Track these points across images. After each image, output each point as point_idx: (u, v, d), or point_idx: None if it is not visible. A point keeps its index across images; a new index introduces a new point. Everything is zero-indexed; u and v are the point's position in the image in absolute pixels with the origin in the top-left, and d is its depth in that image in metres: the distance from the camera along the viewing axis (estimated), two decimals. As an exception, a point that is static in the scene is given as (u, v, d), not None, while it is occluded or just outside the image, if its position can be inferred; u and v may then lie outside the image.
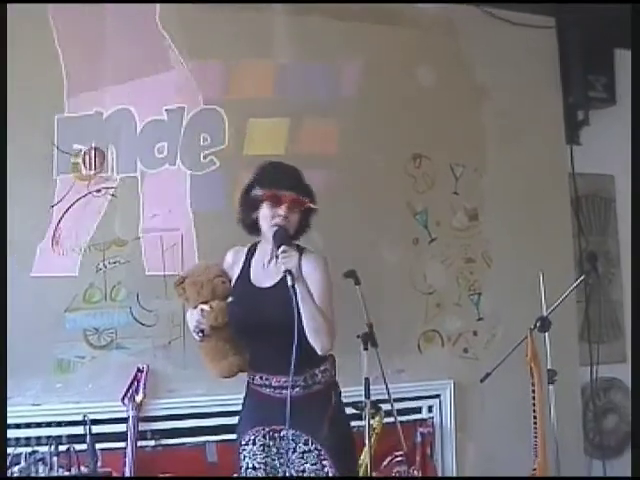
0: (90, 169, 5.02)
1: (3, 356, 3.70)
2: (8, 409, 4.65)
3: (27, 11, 4.83)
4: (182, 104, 5.23)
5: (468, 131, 5.96)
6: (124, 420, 4.86)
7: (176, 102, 5.22)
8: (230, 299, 3.98)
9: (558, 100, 6.35)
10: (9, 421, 4.67)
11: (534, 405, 4.84)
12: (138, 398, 4.88)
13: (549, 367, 4.82)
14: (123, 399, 4.86)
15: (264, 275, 3.91)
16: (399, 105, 5.72)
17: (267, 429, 3.89)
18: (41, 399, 4.88)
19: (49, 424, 4.83)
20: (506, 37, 6.10)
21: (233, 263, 4.11)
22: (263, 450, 3.91)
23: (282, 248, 3.70)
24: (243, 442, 3.96)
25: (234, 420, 4.82)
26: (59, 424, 4.85)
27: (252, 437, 3.92)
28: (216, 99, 5.29)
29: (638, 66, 4.16)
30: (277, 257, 3.74)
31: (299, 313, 3.62)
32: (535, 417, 4.84)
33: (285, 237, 3.77)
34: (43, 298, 4.89)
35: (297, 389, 3.80)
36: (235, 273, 4.07)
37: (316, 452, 3.81)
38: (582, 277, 5.16)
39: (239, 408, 4.70)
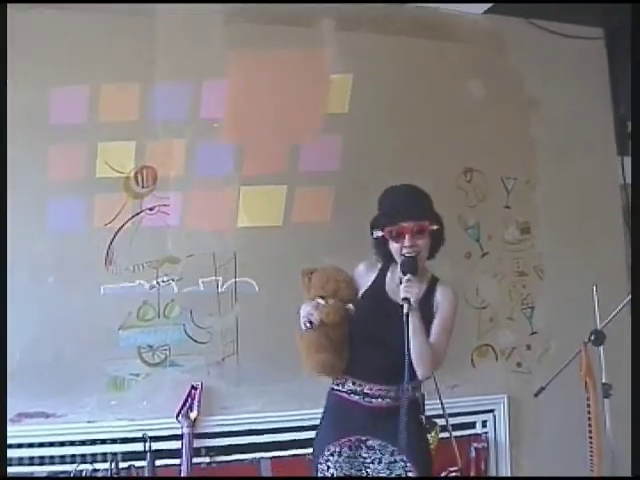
0: (142, 187, 5.04)
1: (3, 356, 3.71)
2: (63, 426, 4.73)
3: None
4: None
5: (519, 144, 5.93)
6: (179, 437, 4.89)
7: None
8: (351, 305, 3.98)
9: (608, 111, 6.30)
10: (64, 438, 4.75)
11: (589, 419, 4.77)
12: (192, 415, 4.90)
13: (604, 381, 4.75)
14: (177, 416, 4.88)
15: (397, 291, 3.85)
16: (450, 119, 5.71)
17: (353, 439, 3.90)
18: (96, 416, 4.90)
19: (104, 441, 4.86)
20: (555, 49, 6.06)
21: (365, 273, 4.11)
22: (348, 461, 3.92)
23: (407, 277, 3.74)
24: (327, 452, 3.95)
25: (288, 437, 4.87)
26: (114, 441, 4.88)
27: (338, 448, 3.92)
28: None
29: (638, 67, 4.11)
30: (401, 283, 3.76)
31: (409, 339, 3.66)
32: (590, 431, 4.78)
33: (412, 267, 3.78)
34: (97, 316, 4.92)
35: (387, 400, 3.85)
36: (368, 281, 4.07)
37: (402, 463, 3.82)
38: (637, 290, 5.11)
39: (291, 424, 4.74)
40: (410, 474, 3.80)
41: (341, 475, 3.90)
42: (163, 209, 5.06)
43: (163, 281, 5.03)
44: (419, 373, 3.73)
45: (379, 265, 4.09)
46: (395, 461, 3.83)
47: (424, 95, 5.66)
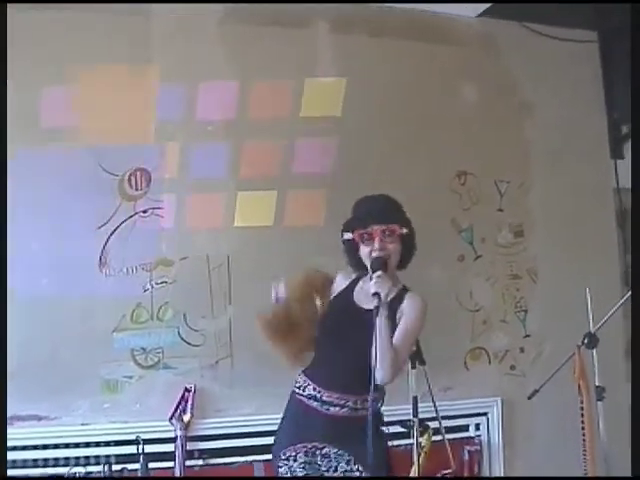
0: (136, 190, 5.04)
1: (3, 356, 3.71)
2: (57, 429, 4.72)
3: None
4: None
5: (512, 147, 5.95)
6: (172, 440, 4.87)
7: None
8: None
9: (602, 115, 6.31)
10: (58, 441, 4.73)
11: (583, 422, 4.78)
12: (186, 418, 4.90)
13: (597, 384, 4.76)
14: (171, 419, 4.88)
15: (366, 298, 3.88)
16: (443, 122, 5.72)
17: (309, 445, 3.91)
18: (89, 419, 4.90)
19: (97, 444, 4.86)
20: (548, 52, 6.08)
21: (340, 282, 4.17)
22: (304, 468, 3.93)
23: (377, 273, 3.75)
24: (283, 456, 3.98)
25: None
26: (107, 444, 4.87)
27: (293, 453, 3.93)
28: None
29: (638, 68, 4.11)
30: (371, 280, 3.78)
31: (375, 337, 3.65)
32: (584, 434, 4.78)
33: (381, 265, 3.80)
34: (91, 319, 4.92)
35: (345, 409, 3.85)
36: (341, 289, 4.13)
37: (357, 473, 3.83)
38: (629, 293, 5.09)
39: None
40: None
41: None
42: (157, 212, 5.06)
43: (157, 283, 5.03)
44: (379, 376, 3.65)
45: (353, 275, 4.14)
46: (351, 470, 3.84)
47: (417, 98, 5.68)
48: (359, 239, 3.91)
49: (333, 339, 3.94)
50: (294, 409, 4.04)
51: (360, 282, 4.08)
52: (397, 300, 3.90)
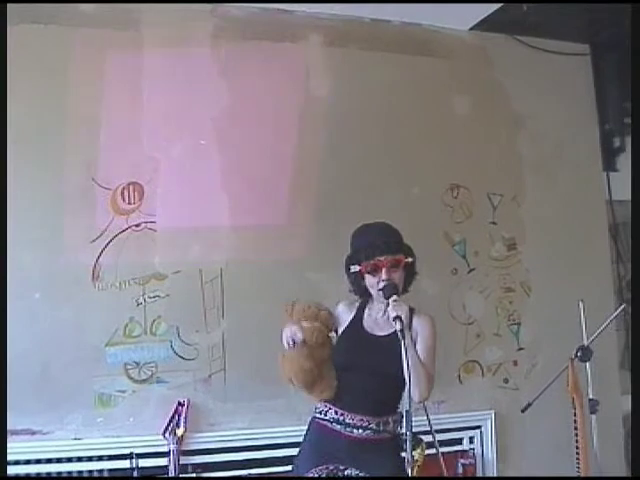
0: (129, 203, 5.04)
1: (3, 363, 3.71)
2: (49, 443, 4.70)
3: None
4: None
5: (505, 160, 5.96)
6: (165, 454, 4.87)
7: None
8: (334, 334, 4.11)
9: (594, 127, 6.32)
10: (50, 455, 4.72)
11: (576, 435, 4.77)
12: (179, 432, 4.89)
13: (591, 396, 4.75)
14: (164, 433, 4.87)
15: (376, 325, 4.00)
16: (436, 135, 5.73)
17: (331, 467, 3.90)
18: (82, 433, 4.88)
19: (90, 458, 4.84)
20: (541, 65, 6.10)
21: (343, 312, 4.16)
22: None
23: (393, 297, 3.78)
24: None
25: (275, 453, 4.85)
26: (100, 458, 4.86)
27: (316, 475, 3.91)
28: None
29: (638, 69, 4.11)
30: (388, 306, 3.80)
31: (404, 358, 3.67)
32: (577, 447, 4.78)
33: (392, 291, 3.82)
34: (84, 333, 4.91)
35: (368, 432, 3.86)
36: (347, 319, 4.12)
37: None
38: (622, 306, 5.09)
39: (279, 441, 4.74)
40: None
41: None
42: (149, 225, 5.06)
43: (150, 297, 5.02)
44: (416, 395, 3.73)
45: (357, 304, 4.15)
46: None
47: (410, 111, 5.69)
48: (365, 270, 3.93)
49: (352, 369, 3.95)
50: (316, 434, 4.04)
51: (367, 310, 4.10)
52: (407, 322, 3.90)
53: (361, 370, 3.89)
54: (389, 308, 3.75)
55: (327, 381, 3.99)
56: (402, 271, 3.95)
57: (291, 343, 3.87)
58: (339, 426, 3.89)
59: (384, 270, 3.87)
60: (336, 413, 3.92)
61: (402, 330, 3.65)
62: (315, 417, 4.04)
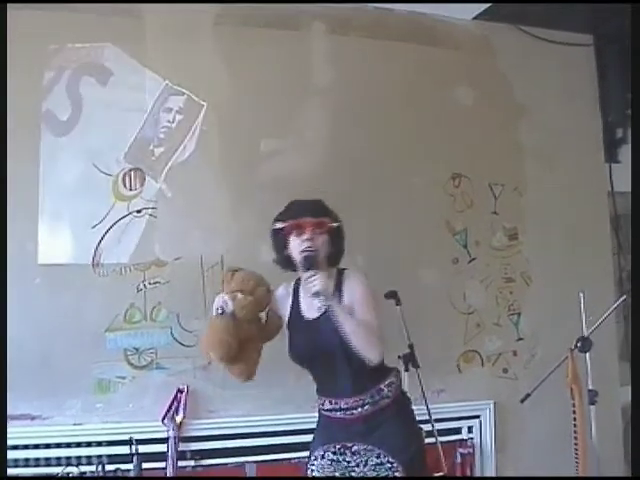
0: (130, 190, 5.04)
1: (3, 356, 3.71)
2: (48, 428, 4.71)
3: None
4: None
5: (507, 150, 5.95)
6: (164, 440, 4.87)
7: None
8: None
9: (597, 118, 6.31)
10: (49, 441, 4.73)
11: (575, 426, 4.77)
12: (178, 418, 4.89)
13: (590, 387, 4.76)
14: (163, 419, 4.87)
15: (311, 307, 3.96)
16: (438, 125, 5.72)
17: (338, 445, 3.92)
18: (82, 419, 4.89)
19: (90, 444, 4.85)
20: (544, 56, 6.09)
21: (283, 297, 4.15)
22: (331, 464, 3.94)
23: (308, 273, 3.78)
24: (312, 457, 4.01)
25: (274, 440, 4.86)
26: (100, 444, 4.87)
27: (322, 452, 3.96)
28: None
29: (638, 68, 4.11)
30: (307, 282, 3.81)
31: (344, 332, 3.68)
32: (576, 438, 4.78)
33: (312, 262, 3.82)
34: (84, 318, 4.91)
35: (366, 407, 3.86)
36: (287, 305, 4.11)
37: (388, 465, 3.81)
38: (623, 297, 5.08)
39: (277, 429, 4.76)
40: (397, 474, 3.79)
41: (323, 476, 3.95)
42: (150, 212, 5.06)
43: (150, 284, 5.02)
44: (368, 358, 3.72)
45: (292, 284, 4.14)
46: (381, 463, 3.82)
47: (412, 100, 5.68)
48: (289, 230, 3.94)
49: (311, 360, 3.97)
50: (323, 421, 4.07)
51: (300, 291, 4.07)
52: (338, 284, 3.93)
53: (320, 359, 3.89)
54: (307, 285, 3.77)
55: (247, 363, 3.96)
56: (327, 237, 3.95)
57: (220, 311, 3.86)
58: (339, 413, 3.89)
59: (308, 230, 3.89)
60: (330, 403, 3.93)
61: (328, 307, 3.68)
62: (319, 409, 4.06)
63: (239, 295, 3.93)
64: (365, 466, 3.86)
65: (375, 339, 3.78)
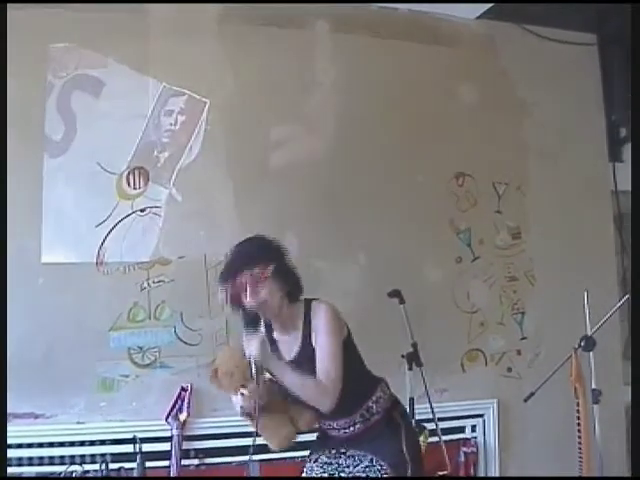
0: (134, 188, 5.04)
1: (3, 357, 3.71)
2: (52, 427, 4.71)
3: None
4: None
5: (511, 149, 5.95)
6: (168, 439, 4.88)
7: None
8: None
9: (600, 117, 6.32)
10: (53, 439, 4.73)
11: (579, 425, 4.77)
12: (182, 417, 4.90)
13: (594, 387, 4.75)
14: (167, 418, 4.88)
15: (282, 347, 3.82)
16: (442, 123, 5.73)
17: (334, 451, 3.90)
18: (85, 417, 4.90)
19: (93, 442, 4.85)
20: (548, 54, 6.09)
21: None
22: (322, 467, 3.91)
23: (244, 334, 3.72)
24: (308, 462, 3.99)
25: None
26: (103, 442, 4.87)
27: (317, 455, 3.95)
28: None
29: (638, 68, 4.10)
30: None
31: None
32: (580, 437, 4.77)
33: (251, 320, 3.73)
34: (88, 317, 4.92)
35: (357, 425, 3.82)
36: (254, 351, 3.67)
37: (379, 466, 3.77)
38: (626, 296, 5.07)
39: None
40: (385, 475, 3.75)
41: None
42: (154, 210, 5.06)
43: (154, 282, 5.02)
44: (319, 407, 3.59)
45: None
46: (372, 464, 3.78)
47: (416, 99, 5.69)
48: (231, 302, 3.70)
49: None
50: (320, 431, 4.03)
51: (274, 334, 3.89)
52: (306, 318, 3.74)
53: None
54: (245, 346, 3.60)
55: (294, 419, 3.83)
56: (269, 282, 3.66)
57: (248, 418, 3.69)
58: (333, 431, 3.86)
59: (244, 294, 3.63)
60: (324, 424, 3.90)
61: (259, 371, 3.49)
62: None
63: (244, 391, 3.57)
64: (356, 467, 3.83)
65: (323, 394, 3.57)
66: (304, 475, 3.98)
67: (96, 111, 5.05)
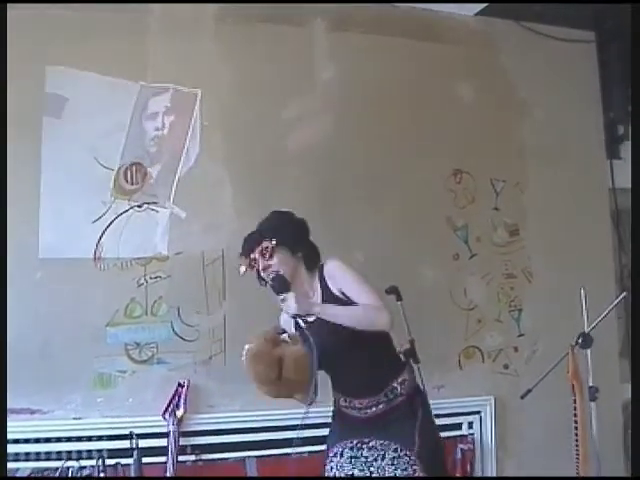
0: (132, 184, 5.04)
1: (3, 354, 3.71)
2: (49, 422, 4.70)
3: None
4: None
5: (508, 146, 5.96)
6: (165, 435, 4.87)
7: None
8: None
9: (598, 115, 6.31)
10: (50, 435, 4.72)
11: (575, 422, 4.76)
12: (179, 413, 4.89)
13: (591, 384, 4.75)
14: (164, 414, 4.87)
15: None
16: (440, 120, 5.73)
17: (355, 441, 3.91)
18: (82, 413, 4.90)
19: (90, 438, 4.85)
20: (546, 52, 6.09)
21: (286, 322, 3.99)
22: (350, 462, 3.92)
23: (280, 298, 3.73)
24: (331, 454, 4.00)
25: (274, 435, 4.86)
26: (100, 438, 4.87)
27: (340, 449, 3.95)
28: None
29: (638, 67, 4.10)
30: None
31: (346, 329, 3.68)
32: (576, 434, 4.77)
33: (279, 285, 3.76)
34: (84, 313, 4.92)
35: (380, 406, 3.86)
36: (289, 324, 3.97)
37: (406, 458, 3.80)
38: (624, 294, 5.07)
39: (278, 424, 4.76)
40: (415, 467, 3.78)
41: (342, 475, 3.92)
42: (152, 206, 5.06)
43: (151, 278, 5.02)
44: (380, 328, 3.74)
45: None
46: (399, 457, 3.81)
47: (414, 96, 5.69)
48: (250, 268, 3.90)
49: (330, 367, 3.90)
50: (338, 415, 4.07)
51: None
52: (322, 282, 3.90)
53: (336, 361, 3.84)
54: (283, 311, 3.79)
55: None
56: (279, 254, 3.86)
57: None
58: (354, 411, 3.90)
59: (261, 263, 3.85)
60: (345, 401, 3.94)
61: (312, 321, 3.68)
62: (335, 402, 4.06)
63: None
64: (383, 460, 3.85)
65: (375, 310, 3.75)
66: (332, 472, 3.96)
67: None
